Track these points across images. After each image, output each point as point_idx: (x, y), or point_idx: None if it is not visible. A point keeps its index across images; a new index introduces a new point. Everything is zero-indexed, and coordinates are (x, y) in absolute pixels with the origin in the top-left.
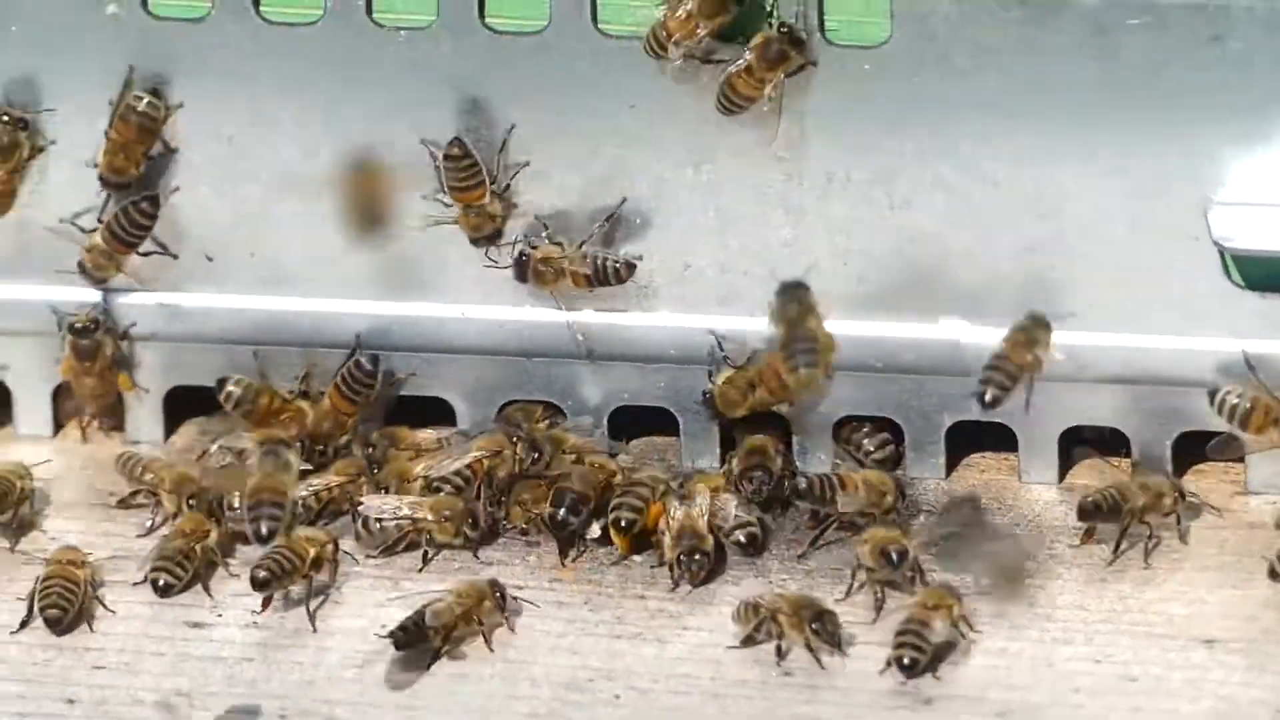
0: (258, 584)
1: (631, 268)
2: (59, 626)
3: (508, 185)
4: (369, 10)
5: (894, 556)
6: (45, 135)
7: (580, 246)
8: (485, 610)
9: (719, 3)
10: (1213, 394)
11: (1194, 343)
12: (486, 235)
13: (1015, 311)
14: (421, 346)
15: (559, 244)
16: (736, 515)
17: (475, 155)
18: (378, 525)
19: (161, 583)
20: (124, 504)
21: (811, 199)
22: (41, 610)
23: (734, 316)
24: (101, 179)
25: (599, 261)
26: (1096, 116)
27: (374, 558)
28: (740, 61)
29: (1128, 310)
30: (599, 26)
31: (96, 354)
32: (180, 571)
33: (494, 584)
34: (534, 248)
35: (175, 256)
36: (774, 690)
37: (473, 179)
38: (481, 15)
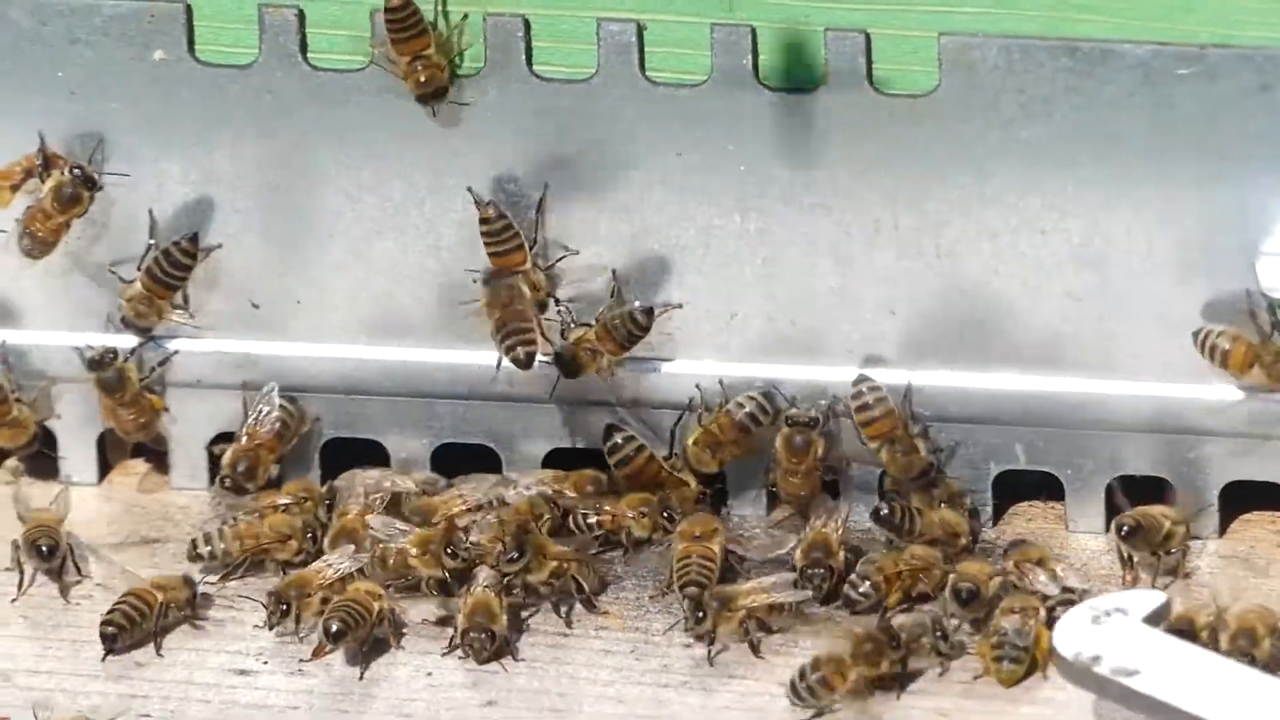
0: (331, 635)
1: (648, 313)
2: (113, 643)
3: (552, 264)
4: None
5: (963, 593)
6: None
7: (600, 319)
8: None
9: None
10: (1196, 333)
11: (1238, 393)
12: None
13: (1061, 360)
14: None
15: (586, 324)
16: None
17: (509, 217)
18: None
19: (107, 633)
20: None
21: (859, 247)
22: (101, 624)
23: (780, 365)
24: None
25: (616, 323)
26: (1145, 166)
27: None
28: None
29: (1174, 360)
30: (646, 74)
31: (123, 384)
32: (126, 623)
33: None
34: (564, 338)
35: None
36: None
37: (511, 241)
38: (529, 63)
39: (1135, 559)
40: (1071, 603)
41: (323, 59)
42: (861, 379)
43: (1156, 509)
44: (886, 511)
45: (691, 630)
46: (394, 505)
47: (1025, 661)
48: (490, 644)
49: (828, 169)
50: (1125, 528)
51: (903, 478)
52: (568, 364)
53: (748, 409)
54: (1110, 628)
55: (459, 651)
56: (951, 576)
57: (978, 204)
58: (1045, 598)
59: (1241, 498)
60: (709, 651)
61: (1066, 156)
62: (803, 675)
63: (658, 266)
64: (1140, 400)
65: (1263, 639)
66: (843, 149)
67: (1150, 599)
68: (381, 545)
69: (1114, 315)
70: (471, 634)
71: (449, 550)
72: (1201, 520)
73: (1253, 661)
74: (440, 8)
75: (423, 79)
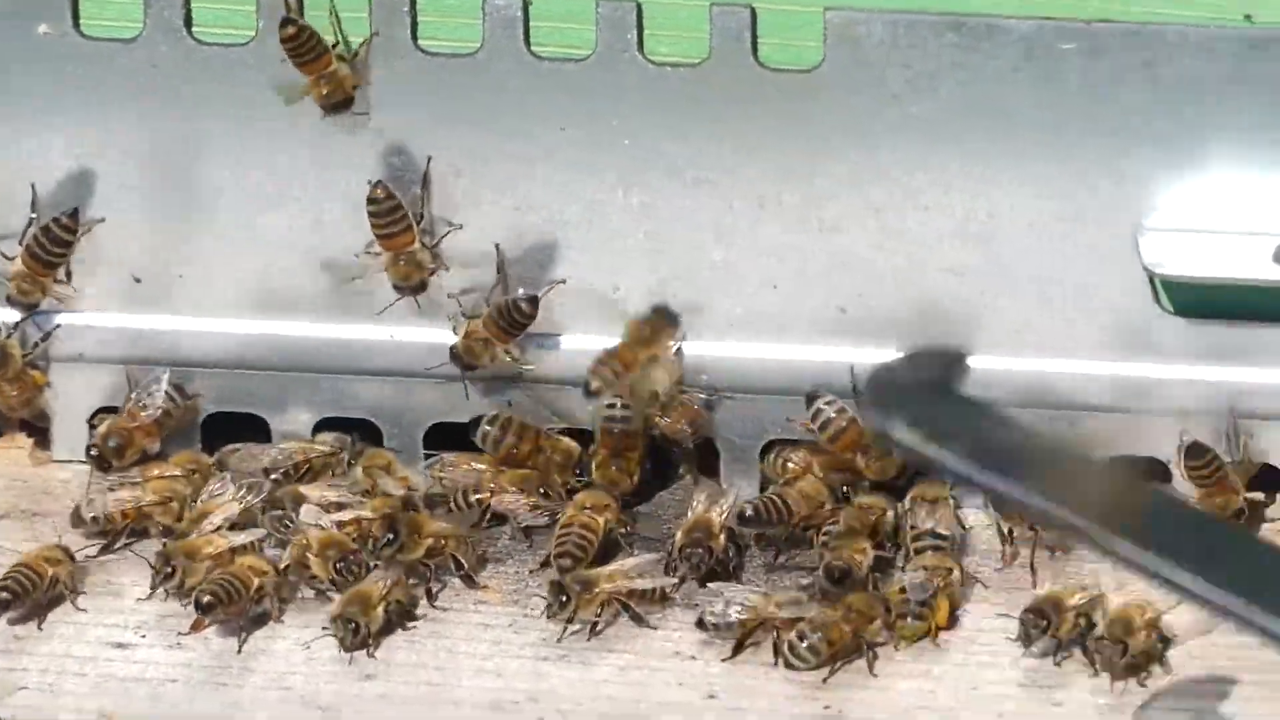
0: (203, 608)
1: (533, 301)
2: (5, 609)
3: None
4: None
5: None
6: None
7: (487, 309)
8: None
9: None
10: (810, 397)
11: (1122, 368)
12: (413, 285)
13: (944, 335)
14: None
15: (474, 317)
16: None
17: (399, 199)
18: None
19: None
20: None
21: (743, 222)
22: None
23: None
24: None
25: (501, 312)
26: (1029, 141)
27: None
28: None
29: (1057, 335)
30: (532, 49)
31: (6, 360)
32: (19, 590)
33: None
34: (456, 333)
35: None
36: (699, 713)
37: (400, 223)
38: (415, 37)
39: (1014, 533)
40: (939, 548)
41: (207, 33)
42: (814, 396)
43: None
44: (752, 512)
45: (552, 614)
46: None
47: (928, 620)
48: (355, 635)
49: (712, 144)
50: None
51: (884, 479)
52: (462, 359)
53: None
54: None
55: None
56: (828, 554)
57: (862, 179)
58: (935, 537)
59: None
60: (563, 629)
61: (951, 132)
62: (802, 636)
63: (542, 242)
64: (1021, 375)
65: (1138, 630)
66: (727, 124)
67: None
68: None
69: (997, 290)
70: (340, 621)
71: (338, 565)
72: None
73: (1125, 651)
74: (335, 18)
75: (325, 92)
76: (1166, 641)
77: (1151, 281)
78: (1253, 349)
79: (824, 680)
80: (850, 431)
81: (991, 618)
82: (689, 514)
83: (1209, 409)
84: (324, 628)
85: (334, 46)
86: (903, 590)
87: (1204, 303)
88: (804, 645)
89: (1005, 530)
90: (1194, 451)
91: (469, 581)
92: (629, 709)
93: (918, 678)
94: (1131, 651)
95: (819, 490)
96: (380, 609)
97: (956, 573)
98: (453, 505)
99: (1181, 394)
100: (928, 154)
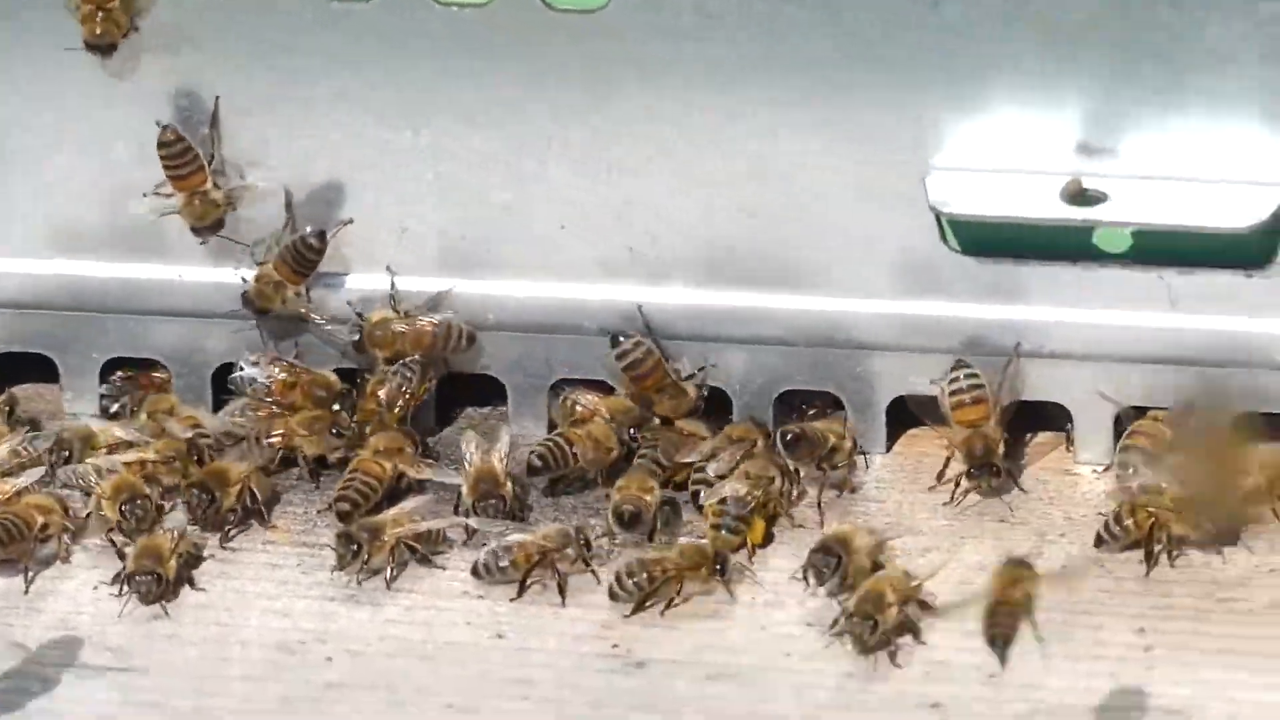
0: None
1: (320, 235)
2: None
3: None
4: None
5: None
6: None
7: (276, 250)
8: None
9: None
10: (615, 337)
11: (911, 307)
12: (209, 225)
13: (736, 276)
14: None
15: (263, 262)
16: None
17: (189, 141)
18: None
19: None
20: None
21: (531, 163)
22: None
23: (452, 279)
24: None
25: (289, 251)
26: (819, 81)
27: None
28: None
29: (846, 276)
30: None
31: None
32: None
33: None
34: (248, 293)
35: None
36: (486, 652)
37: (191, 164)
38: None
39: (801, 472)
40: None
41: None
42: (616, 339)
43: (821, 423)
44: (540, 460)
45: (344, 564)
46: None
47: (742, 534)
48: (157, 586)
49: (501, 85)
50: (789, 436)
51: (676, 416)
52: (255, 303)
53: None
54: None
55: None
56: (615, 495)
57: (652, 120)
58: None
59: (909, 413)
60: (357, 579)
61: (742, 73)
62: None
63: (330, 183)
64: (810, 315)
65: (890, 606)
66: (515, 65)
67: None
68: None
69: (788, 231)
70: (138, 577)
71: (124, 508)
72: (868, 435)
73: (875, 628)
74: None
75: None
76: (927, 606)
77: (939, 221)
78: (1038, 288)
79: (624, 617)
80: (652, 373)
81: (780, 559)
82: (466, 462)
83: (995, 347)
84: (113, 582)
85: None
86: (723, 501)
87: (990, 242)
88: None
89: (790, 467)
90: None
91: (260, 518)
92: (417, 649)
93: (705, 618)
94: (882, 628)
95: (607, 434)
96: (173, 561)
97: (777, 483)
98: (247, 448)
99: (968, 332)
100: (718, 95)
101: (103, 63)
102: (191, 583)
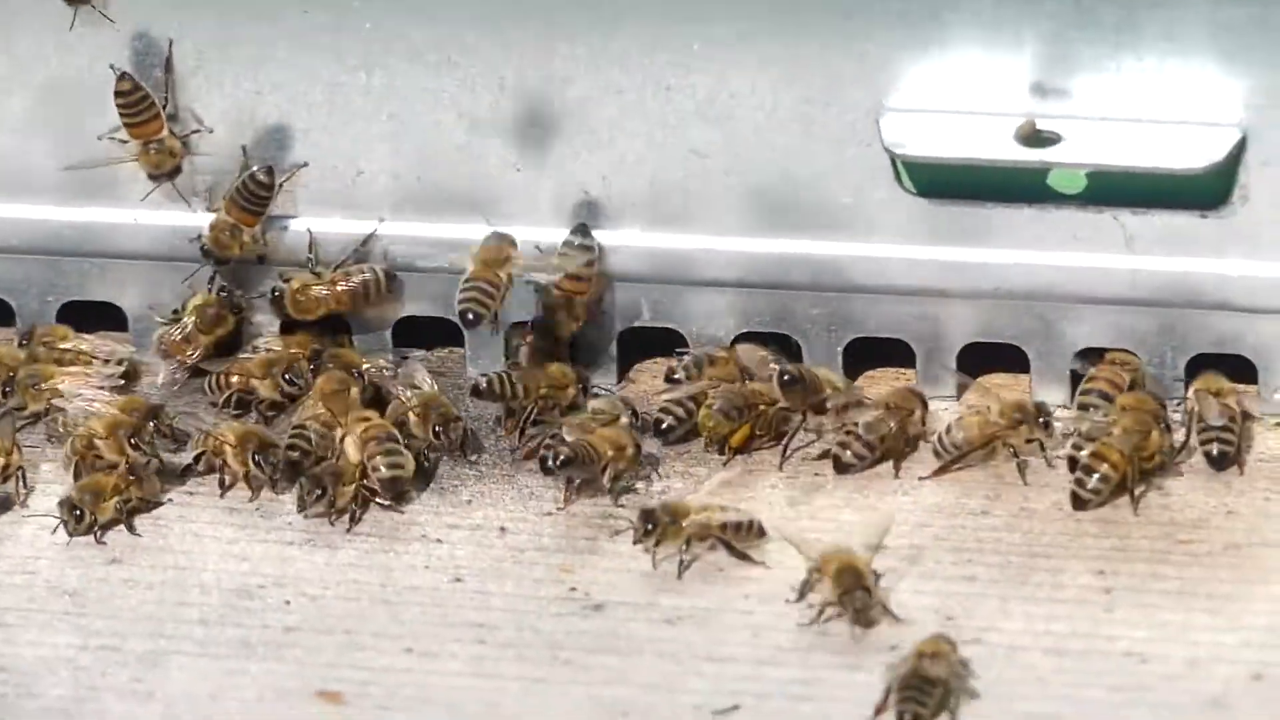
0: None
1: (269, 171)
2: None
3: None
4: None
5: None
6: None
7: (229, 194)
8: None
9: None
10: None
11: (865, 249)
12: (167, 172)
13: (686, 218)
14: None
15: (215, 209)
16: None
17: (146, 88)
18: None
19: None
20: None
21: (484, 104)
22: None
23: (406, 222)
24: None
25: (239, 190)
26: (769, 22)
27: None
28: None
29: (799, 217)
30: None
31: None
32: None
33: None
34: (204, 244)
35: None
36: (445, 596)
37: (147, 112)
38: None
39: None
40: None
41: None
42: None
43: (822, 370)
44: (485, 385)
45: (306, 507)
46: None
47: (724, 430)
48: (79, 522)
49: (453, 26)
50: (786, 376)
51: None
52: (214, 252)
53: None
54: None
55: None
56: None
57: (602, 61)
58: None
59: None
60: (330, 520)
61: (692, 13)
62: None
63: (283, 125)
64: (763, 257)
65: (867, 574)
66: (468, 6)
67: None
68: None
69: (739, 171)
70: (66, 505)
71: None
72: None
73: (868, 595)
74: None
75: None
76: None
77: (894, 162)
78: (993, 229)
79: None
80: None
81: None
82: (405, 398)
83: (953, 290)
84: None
85: None
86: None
87: (945, 184)
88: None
89: None
90: None
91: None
92: (375, 592)
93: (662, 561)
94: (874, 594)
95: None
96: (112, 503)
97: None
98: (207, 388)
99: (923, 275)
100: (668, 35)
101: (56, 9)
102: (131, 528)
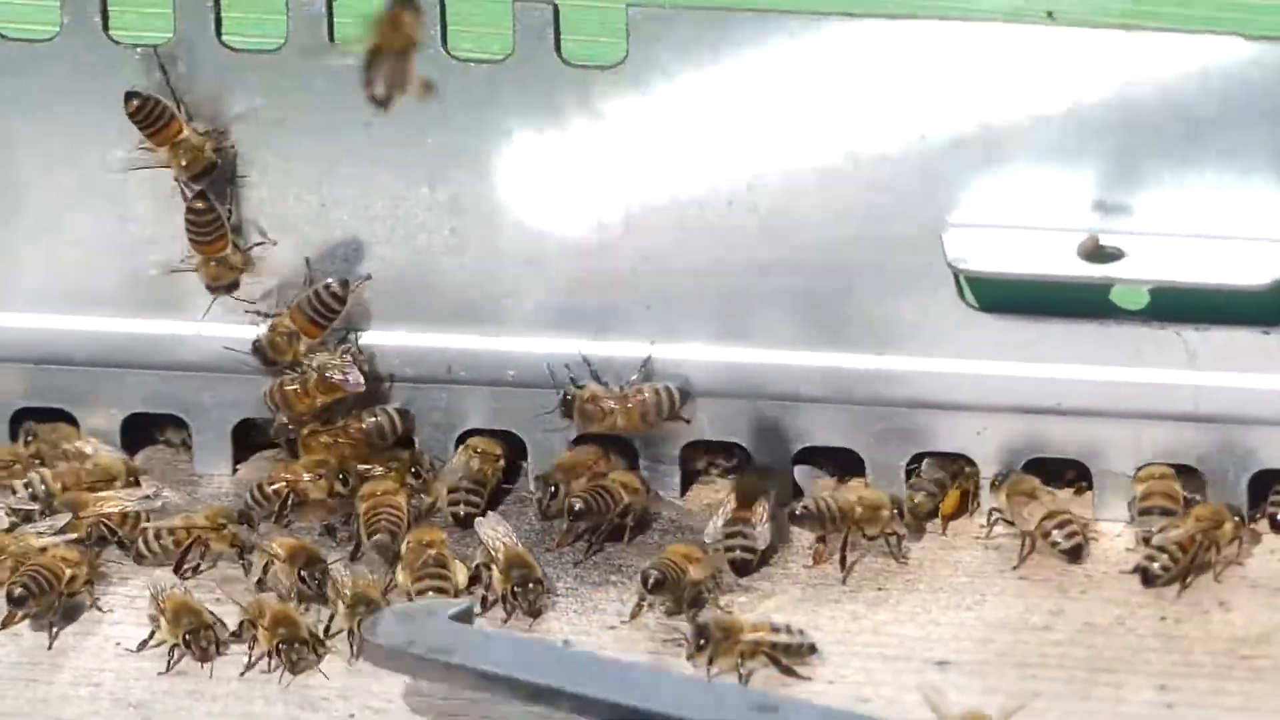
0: (13, 600)
1: (344, 284)
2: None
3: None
4: (105, 26)
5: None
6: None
7: (292, 302)
8: None
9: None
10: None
11: (927, 364)
12: (224, 285)
13: (748, 331)
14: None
15: (276, 314)
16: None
17: (219, 209)
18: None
19: None
20: None
21: (548, 219)
22: None
23: (471, 335)
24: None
25: (309, 300)
26: (835, 138)
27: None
28: None
29: (862, 331)
30: (335, 45)
31: None
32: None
33: None
34: (259, 342)
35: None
36: (508, 711)
37: (216, 232)
38: (219, 33)
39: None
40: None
41: (11, 28)
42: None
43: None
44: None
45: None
46: None
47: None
48: (307, 651)
49: (517, 139)
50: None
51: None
52: (265, 353)
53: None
54: (420, 623)
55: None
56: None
57: (666, 175)
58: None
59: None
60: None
61: (756, 126)
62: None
63: (347, 239)
64: (829, 372)
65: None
66: (531, 119)
67: (456, 604)
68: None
69: (802, 287)
70: (282, 646)
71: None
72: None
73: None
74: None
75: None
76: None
77: (957, 278)
78: (1056, 345)
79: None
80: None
81: (800, 614)
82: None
83: (1013, 405)
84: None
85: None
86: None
87: (1008, 298)
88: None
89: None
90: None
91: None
92: (439, 706)
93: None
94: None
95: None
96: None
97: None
98: (250, 498)
99: (986, 390)
100: (735, 148)
101: (119, 122)
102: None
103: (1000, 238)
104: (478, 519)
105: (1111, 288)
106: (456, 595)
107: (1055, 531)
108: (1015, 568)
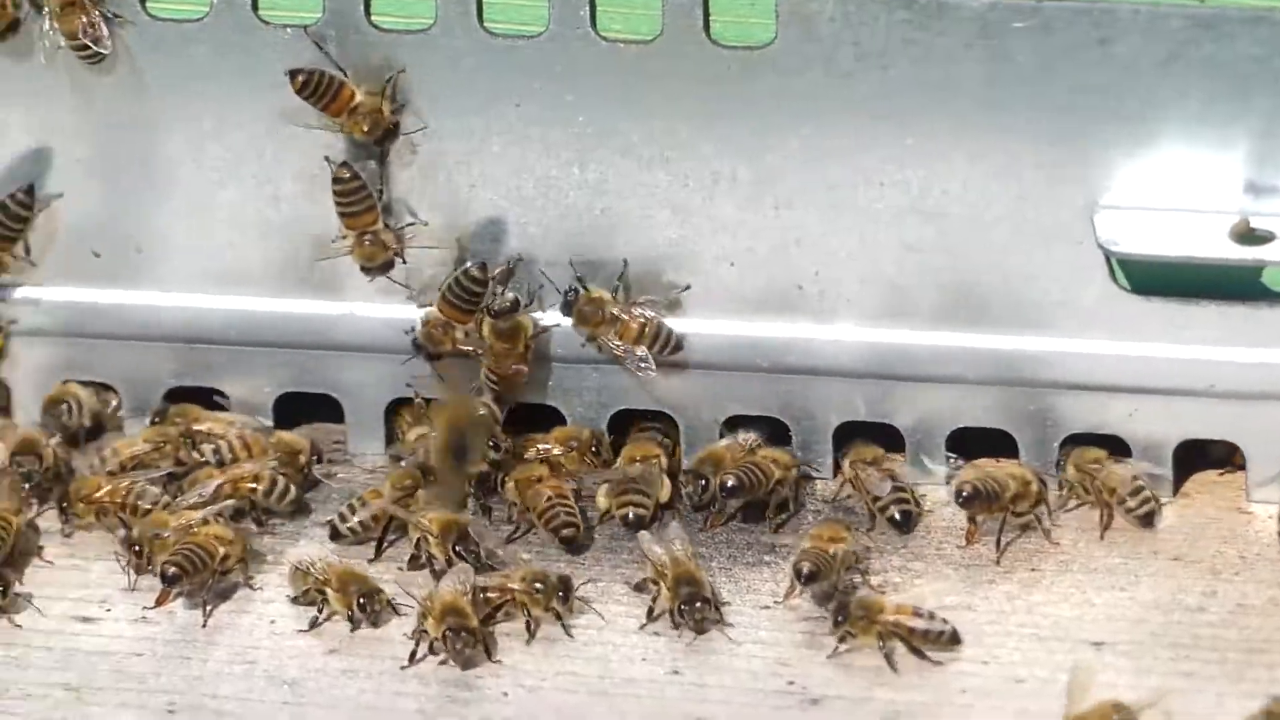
0: (168, 579)
1: (483, 267)
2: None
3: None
4: (254, 6)
5: None
6: None
7: (440, 291)
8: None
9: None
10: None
11: (1078, 345)
12: (379, 265)
13: (900, 313)
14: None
15: (428, 304)
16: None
17: (363, 178)
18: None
19: None
20: None
21: (698, 199)
22: None
23: None
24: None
25: (453, 288)
26: (982, 119)
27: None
28: None
29: (1012, 312)
30: (485, 25)
31: None
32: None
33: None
34: (417, 339)
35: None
36: (662, 688)
37: (364, 202)
38: (368, 14)
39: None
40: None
41: (161, 8)
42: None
43: (1002, 469)
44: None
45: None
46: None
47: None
48: (473, 643)
49: (666, 121)
50: (964, 492)
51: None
52: (426, 348)
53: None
54: None
55: (435, 651)
56: None
57: (815, 156)
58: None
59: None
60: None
61: (904, 109)
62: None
63: (496, 219)
64: (979, 353)
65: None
66: (681, 101)
67: None
68: None
69: (951, 268)
70: (449, 634)
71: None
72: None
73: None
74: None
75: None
76: None
77: (1108, 260)
78: (1207, 326)
79: None
80: None
81: (955, 595)
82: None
83: (1164, 387)
84: (404, 664)
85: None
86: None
87: (1160, 280)
88: None
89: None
90: None
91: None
92: (593, 684)
93: (880, 655)
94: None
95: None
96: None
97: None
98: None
99: (1137, 372)
100: (881, 131)
101: (269, 99)
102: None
103: (1152, 220)
104: (641, 533)
105: (1263, 270)
106: (658, 511)
107: (1130, 499)
108: (1101, 537)
